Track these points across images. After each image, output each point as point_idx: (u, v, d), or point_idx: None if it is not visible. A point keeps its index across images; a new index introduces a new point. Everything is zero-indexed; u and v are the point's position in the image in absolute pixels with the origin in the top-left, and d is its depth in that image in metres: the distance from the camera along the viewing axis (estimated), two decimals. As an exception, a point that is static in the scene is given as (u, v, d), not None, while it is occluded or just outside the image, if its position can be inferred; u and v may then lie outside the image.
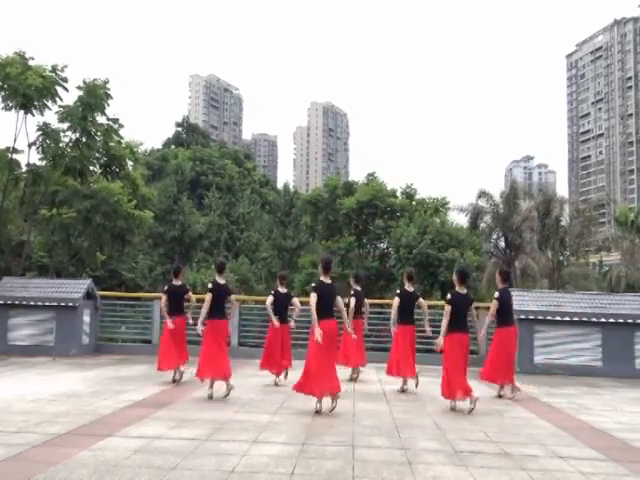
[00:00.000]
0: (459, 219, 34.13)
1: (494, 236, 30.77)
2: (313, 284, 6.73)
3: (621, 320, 11.17)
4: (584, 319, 11.24)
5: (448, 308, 7.08)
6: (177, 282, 8.91)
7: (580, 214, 30.21)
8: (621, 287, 29.16)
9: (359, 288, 9.58)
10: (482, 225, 30.53)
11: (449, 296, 7.25)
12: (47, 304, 12.12)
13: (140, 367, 10.48)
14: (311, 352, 6.56)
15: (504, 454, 5.06)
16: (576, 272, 28.64)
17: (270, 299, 8.75)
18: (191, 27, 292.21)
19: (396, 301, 8.57)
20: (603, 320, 11.20)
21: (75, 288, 12.41)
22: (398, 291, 8.82)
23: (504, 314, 8.15)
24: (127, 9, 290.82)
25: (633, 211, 39.91)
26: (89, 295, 12.70)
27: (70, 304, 12.06)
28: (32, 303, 12.15)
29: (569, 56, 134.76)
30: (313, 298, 6.52)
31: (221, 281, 7.68)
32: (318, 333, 6.32)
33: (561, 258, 29.74)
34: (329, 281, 6.72)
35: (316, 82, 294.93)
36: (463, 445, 5.31)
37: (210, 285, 7.61)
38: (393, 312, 8.60)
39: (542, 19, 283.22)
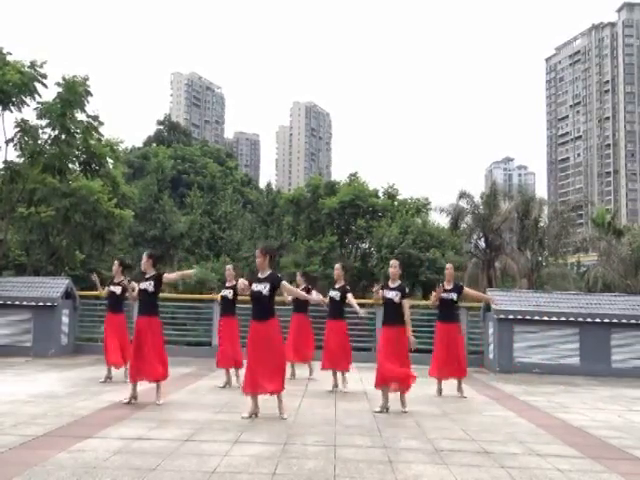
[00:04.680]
0: (440, 219, 34.42)
1: (474, 236, 31.09)
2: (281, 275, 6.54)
3: (598, 320, 11.36)
4: (562, 319, 11.42)
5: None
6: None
7: (558, 215, 30.69)
8: (598, 287, 29.63)
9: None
10: (463, 225, 30.82)
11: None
12: (25, 304, 11.92)
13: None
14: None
15: (484, 452, 5.12)
16: (555, 272, 29.10)
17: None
18: (173, 25, 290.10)
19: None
20: (581, 320, 11.39)
21: (53, 287, 12.23)
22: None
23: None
24: (108, 6, 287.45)
25: (610, 213, 40.66)
26: (68, 294, 12.52)
27: (48, 304, 11.88)
28: (9, 302, 11.93)
29: (548, 59, 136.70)
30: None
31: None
32: None
33: (540, 258, 30.18)
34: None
35: (299, 82, 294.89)
36: (443, 444, 5.36)
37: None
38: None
39: (522, 23, 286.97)
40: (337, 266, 8.94)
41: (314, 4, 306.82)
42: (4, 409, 6.42)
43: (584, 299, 12.18)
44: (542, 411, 7.41)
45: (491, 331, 11.83)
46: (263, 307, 6.25)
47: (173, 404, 7.10)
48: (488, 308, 11.94)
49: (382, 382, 6.94)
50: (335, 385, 8.45)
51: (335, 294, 8.54)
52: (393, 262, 7.24)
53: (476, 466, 4.66)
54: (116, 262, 9.04)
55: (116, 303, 8.88)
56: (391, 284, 7.10)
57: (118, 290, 8.77)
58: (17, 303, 11.93)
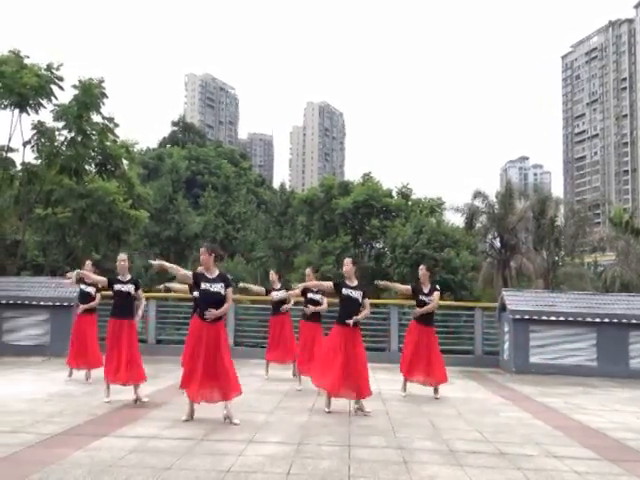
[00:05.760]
0: (455, 219, 34.22)
1: (490, 236, 30.89)
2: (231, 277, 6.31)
3: (616, 320, 11.21)
4: (579, 319, 11.28)
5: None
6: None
7: (575, 214, 30.41)
8: (616, 287, 29.30)
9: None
10: (478, 225, 30.64)
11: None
12: (42, 304, 12.07)
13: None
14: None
15: (500, 454, 5.07)
16: (571, 272, 28.81)
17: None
18: (187, 26, 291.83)
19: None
20: (598, 320, 11.24)
21: (70, 288, 12.34)
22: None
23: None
24: (122, 8, 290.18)
25: (627, 212, 40.06)
26: (84, 294, 12.63)
27: (65, 304, 12.01)
28: (27, 302, 12.09)
29: (564, 57, 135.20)
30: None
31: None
32: None
33: (556, 258, 29.90)
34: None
35: (312, 82, 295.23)
36: (459, 445, 5.32)
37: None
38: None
39: (537, 20, 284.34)
40: (308, 271, 8.90)
41: (327, 4, 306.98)
42: (22, 408, 6.51)
43: (601, 299, 12.03)
44: (559, 412, 7.34)
45: (507, 331, 11.73)
46: (219, 307, 5.98)
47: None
48: (503, 308, 11.84)
49: (336, 394, 6.69)
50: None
51: (319, 297, 8.54)
52: (347, 260, 6.98)
53: (491, 467, 4.62)
54: (89, 262, 9.04)
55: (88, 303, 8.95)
56: (349, 282, 6.84)
57: (93, 290, 8.90)
58: (34, 303, 12.08)
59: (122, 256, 7.33)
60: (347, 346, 6.66)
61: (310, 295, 8.55)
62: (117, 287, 7.16)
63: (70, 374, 8.85)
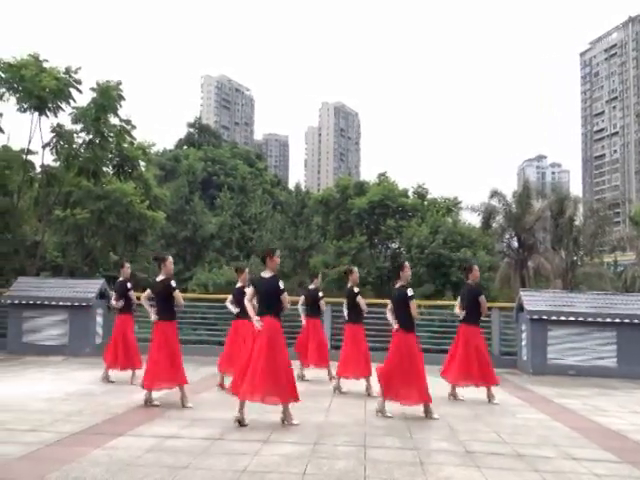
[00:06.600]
0: (471, 219, 34.01)
1: (507, 236, 30.60)
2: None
3: (636, 320, 11.03)
4: (598, 319, 11.12)
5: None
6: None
7: (594, 214, 29.98)
8: (636, 287, 28.87)
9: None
10: (494, 225, 30.38)
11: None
12: (61, 304, 12.22)
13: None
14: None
15: (517, 455, 5.03)
16: (590, 272, 28.42)
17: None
18: (202, 28, 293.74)
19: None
20: (618, 320, 11.08)
21: (88, 288, 12.50)
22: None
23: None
24: (139, 11, 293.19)
25: (648, 210, 39.48)
26: (102, 295, 12.78)
27: (84, 304, 12.16)
28: (46, 303, 12.26)
29: (583, 54, 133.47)
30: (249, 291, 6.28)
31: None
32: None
33: (575, 258, 29.51)
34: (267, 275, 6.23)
35: (327, 82, 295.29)
36: (475, 446, 5.28)
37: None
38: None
39: (556, 17, 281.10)
40: (356, 269, 8.91)
41: (342, 4, 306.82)
42: (42, 407, 6.60)
43: (621, 299, 11.83)
44: (577, 414, 7.24)
45: (524, 332, 11.61)
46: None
47: (204, 403, 7.18)
48: (521, 308, 11.72)
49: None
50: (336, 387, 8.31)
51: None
52: (408, 264, 7.18)
53: (509, 469, 4.58)
54: (128, 264, 9.16)
55: (131, 304, 9.08)
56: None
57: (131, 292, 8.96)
58: (54, 303, 12.24)
59: (171, 258, 7.30)
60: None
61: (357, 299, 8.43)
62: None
63: (106, 376, 8.68)
